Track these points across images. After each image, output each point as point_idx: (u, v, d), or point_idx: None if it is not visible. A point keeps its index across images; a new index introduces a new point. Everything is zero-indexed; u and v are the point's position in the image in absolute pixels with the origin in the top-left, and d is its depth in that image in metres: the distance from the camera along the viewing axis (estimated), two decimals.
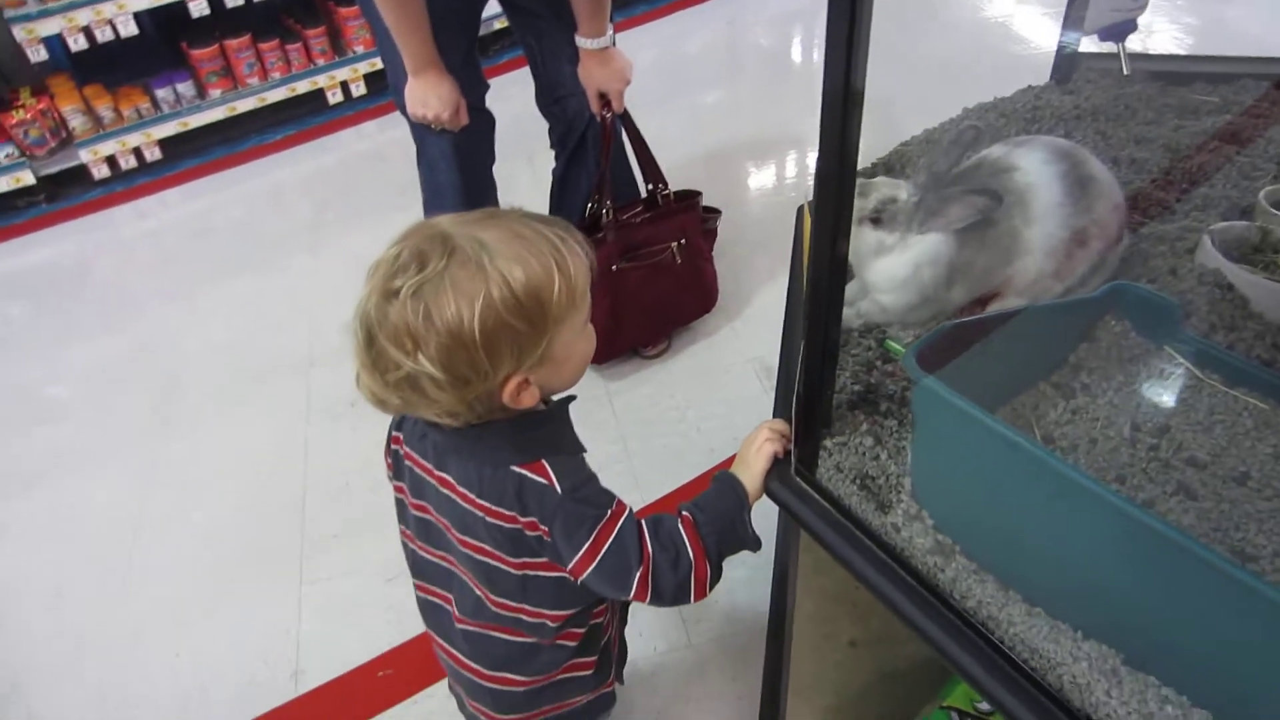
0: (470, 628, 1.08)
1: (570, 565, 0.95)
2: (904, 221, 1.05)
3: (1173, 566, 0.69)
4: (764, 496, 1.03)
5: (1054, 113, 1.28)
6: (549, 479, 0.93)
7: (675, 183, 2.17)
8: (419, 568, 1.13)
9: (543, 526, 0.94)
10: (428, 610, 1.16)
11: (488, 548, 0.99)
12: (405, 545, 1.14)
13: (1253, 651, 0.67)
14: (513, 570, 1.00)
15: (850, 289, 1.18)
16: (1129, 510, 0.69)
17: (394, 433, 1.09)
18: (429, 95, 1.82)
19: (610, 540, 0.94)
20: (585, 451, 1.01)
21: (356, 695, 1.68)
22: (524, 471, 0.93)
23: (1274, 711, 0.68)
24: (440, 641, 1.17)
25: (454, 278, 0.84)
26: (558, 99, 2.06)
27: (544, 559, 0.99)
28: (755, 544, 1.03)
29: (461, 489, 0.97)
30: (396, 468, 1.09)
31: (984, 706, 1.29)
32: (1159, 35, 3.44)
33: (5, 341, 2.75)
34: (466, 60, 1.93)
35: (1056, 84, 1.40)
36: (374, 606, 1.83)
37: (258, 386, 2.43)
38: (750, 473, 1.03)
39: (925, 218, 1.04)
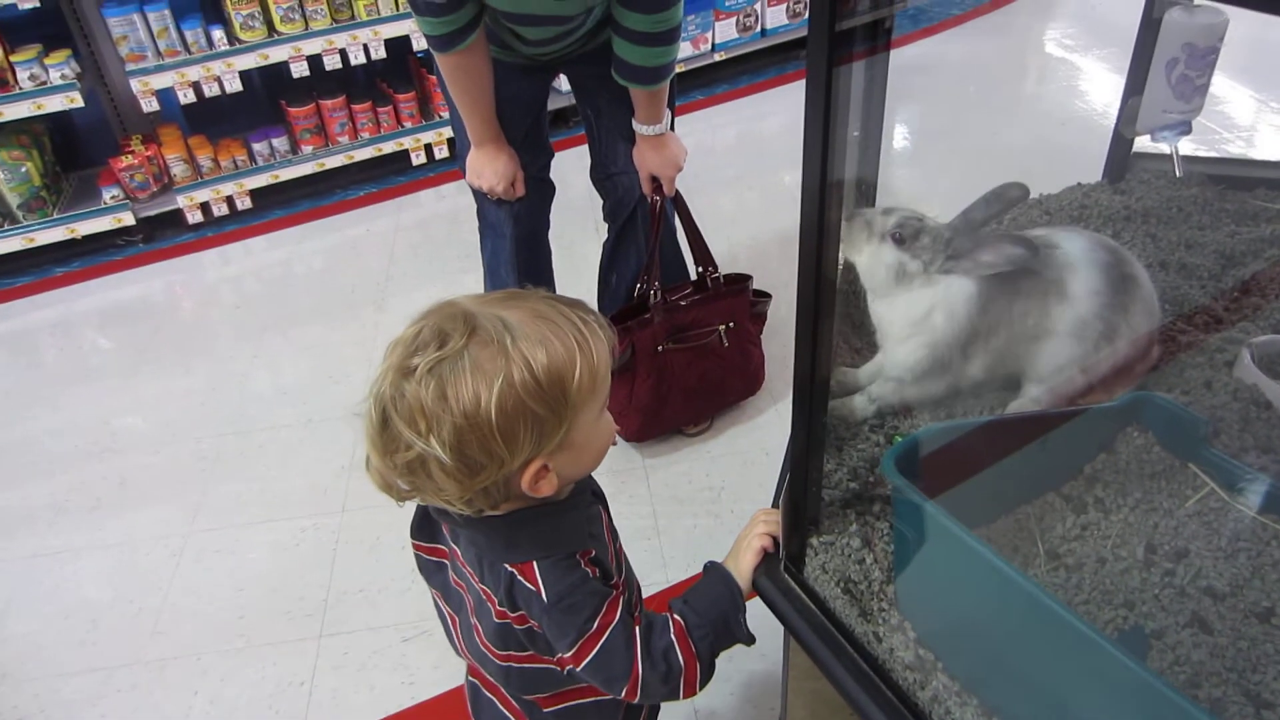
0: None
1: (559, 658, 0.93)
2: (929, 248, 0.99)
3: (1159, 715, 0.62)
4: None
5: (1101, 212, 1.22)
6: (536, 586, 0.90)
7: (741, 261, 2.15)
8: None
9: (532, 621, 0.93)
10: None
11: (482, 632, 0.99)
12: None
13: None
14: (498, 660, 0.99)
15: (867, 370, 1.13)
16: (1110, 650, 0.63)
17: None
18: (485, 168, 1.92)
19: (597, 649, 0.91)
20: (588, 546, 0.94)
21: None
22: (514, 571, 0.91)
23: None
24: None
25: (474, 357, 0.81)
26: (610, 175, 2.10)
27: (529, 653, 0.97)
28: (749, 640, 0.98)
29: (470, 567, 0.96)
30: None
31: None
32: (1223, 138, 3.32)
33: (93, 371, 2.88)
34: (529, 135, 2.01)
35: (1108, 183, 1.34)
36: (388, 666, 1.81)
37: (310, 434, 2.48)
38: (740, 567, 1.00)
39: (953, 256, 0.98)
